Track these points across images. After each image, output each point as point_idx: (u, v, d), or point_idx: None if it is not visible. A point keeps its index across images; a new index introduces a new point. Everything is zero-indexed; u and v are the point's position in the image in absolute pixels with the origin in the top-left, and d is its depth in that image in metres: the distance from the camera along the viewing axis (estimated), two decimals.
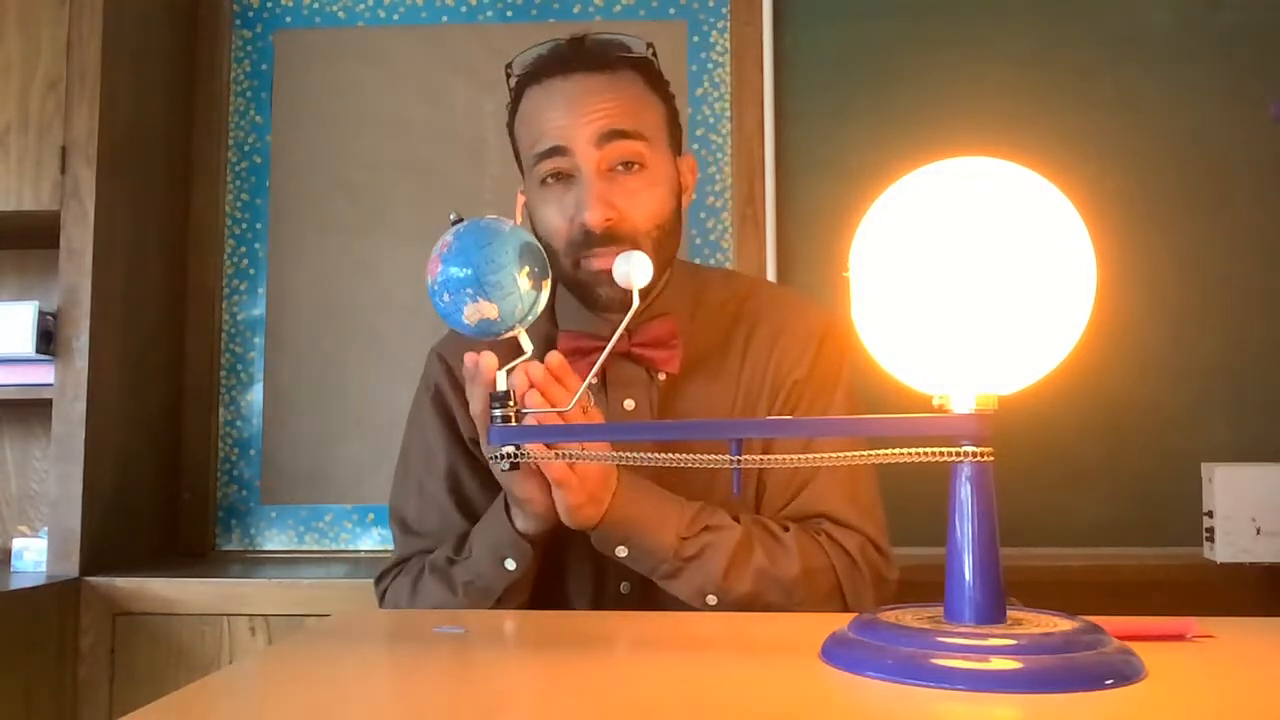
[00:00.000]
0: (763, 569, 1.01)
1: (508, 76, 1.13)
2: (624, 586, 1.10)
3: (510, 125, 1.15)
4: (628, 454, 0.86)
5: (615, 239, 1.05)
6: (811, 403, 1.13)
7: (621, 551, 1.01)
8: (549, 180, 1.08)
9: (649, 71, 1.12)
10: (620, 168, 1.07)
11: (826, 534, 1.07)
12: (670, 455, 0.79)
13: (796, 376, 1.13)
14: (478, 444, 1.12)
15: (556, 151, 1.06)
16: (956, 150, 0.70)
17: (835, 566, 1.05)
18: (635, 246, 1.06)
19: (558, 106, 1.07)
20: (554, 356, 0.95)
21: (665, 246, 1.11)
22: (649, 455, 0.89)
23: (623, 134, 1.06)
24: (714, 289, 1.19)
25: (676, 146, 1.15)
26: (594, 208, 1.04)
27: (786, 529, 1.06)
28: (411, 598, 1.10)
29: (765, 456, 0.87)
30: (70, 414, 1.70)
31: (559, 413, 0.89)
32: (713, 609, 1.01)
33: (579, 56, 1.09)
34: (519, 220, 0.79)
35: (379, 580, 1.17)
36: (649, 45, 1.13)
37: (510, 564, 1.03)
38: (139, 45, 1.87)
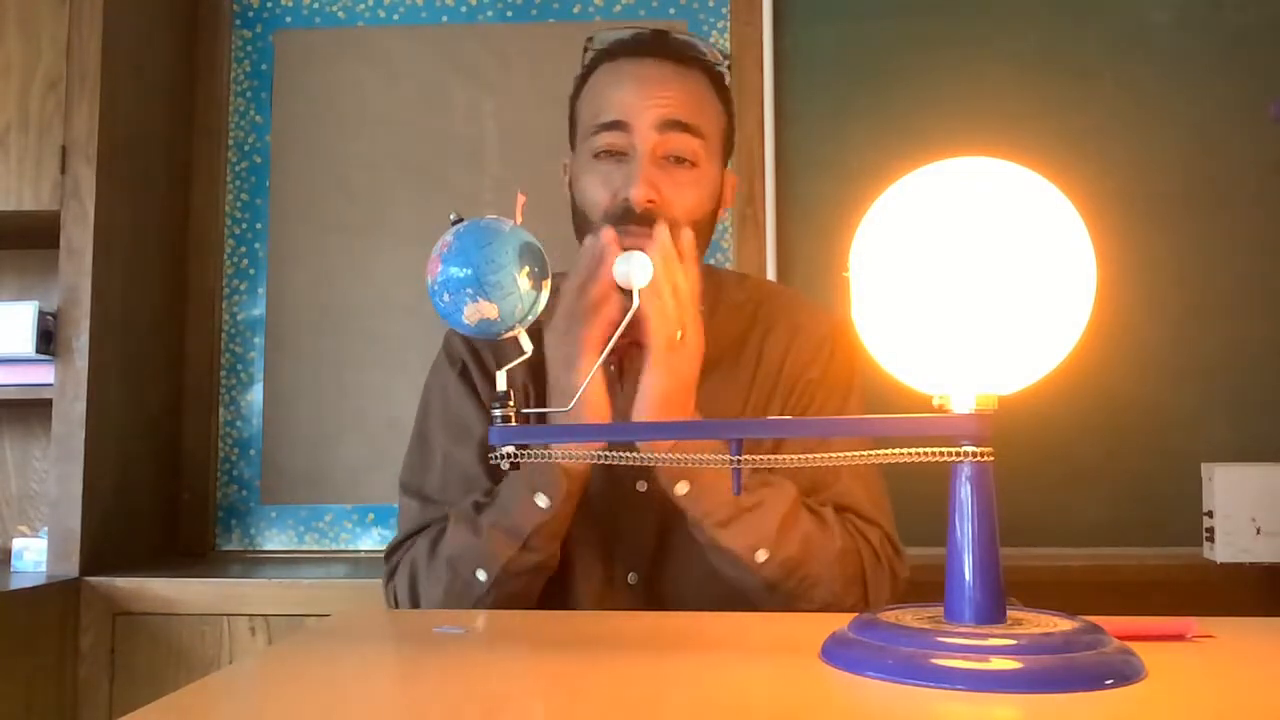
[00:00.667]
0: (810, 535, 1.01)
1: (585, 51, 1.16)
2: (631, 577, 1.10)
3: (574, 98, 1.17)
4: (629, 453, 0.86)
5: (652, 222, 1.06)
6: (824, 403, 1.13)
7: (683, 488, 0.99)
8: (602, 154, 1.10)
9: (718, 79, 1.15)
10: (673, 160, 1.09)
11: (852, 523, 1.07)
12: (671, 455, 0.80)
13: (810, 376, 1.14)
14: None
15: (617, 126, 1.08)
16: (956, 150, 0.70)
17: (862, 553, 1.05)
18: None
19: (627, 85, 1.10)
20: (689, 235, 1.01)
21: (695, 246, 1.12)
22: (650, 455, 0.89)
23: (684, 126, 1.08)
24: (731, 290, 1.21)
25: (726, 158, 1.18)
26: (641, 185, 1.06)
27: (824, 505, 1.06)
28: (431, 555, 1.06)
29: (765, 456, 0.87)
30: (70, 414, 1.70)
31: (561, 412, 0.90)
32: (760, 566, 0.99)
33: (657, 45, 1.12)
34: (519, 220, 0.79)
35: (390, 555, 1.13)
36: (726, 57, 1.17)
37: (542, 500, 1.00)
38: (139, 45, 1.87)
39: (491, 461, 0.79)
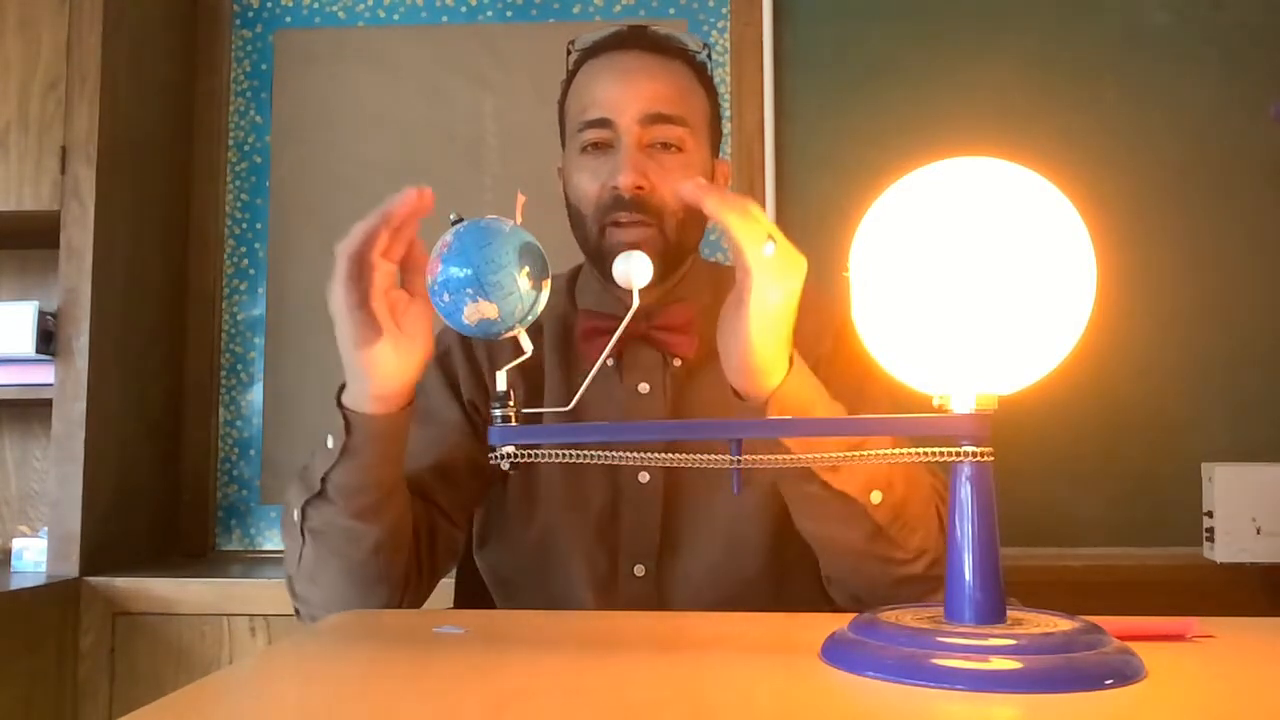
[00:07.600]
0: (910, 473, 0.96)
1: (569, 53, 1.17)
2: (638, 569, 1.09)
3: (562, 100, 1.17)
4: (627, 453, 0.86)
5: (643, 208, 1.06)
6: (844, 371, 1.07)
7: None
8: (589, 149, 1.10)
9: (700, 69, 1.15)
10: (660, 146, 1.09)
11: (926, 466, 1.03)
12: (671, 455, 0.79)
13: (820, 354, 1.09)
14: (475, 407, 1.12)
15: (601, 123, 1.09)
16: (956, 150, 0.70)
17: (938, 493, 1.01)
18: (662, 221, 1.07)
19: (611, 79, 1.10)
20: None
21: (689, 232, 1.11)
22: (649, 455, 0.88)
23: (667, 118, 1.08)
24: (730, 281, 1.19)
25: (715, 146, 1.17)
26: (628, 172, 1.06)
27: None
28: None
29: (765, 456, 0.87)
30: (70, 414, 1.70)
31: (562, 412, 0.89)
32: (875, 509, 0.93)
33: (638, 39, 1.13)
34: (519, 220, 0.79)
35: None
36: (705, 46, 1.17)
37: (330, 441, 0.93)
38: (139, 45, 1.87)
39: (491, 461, 0.79)
